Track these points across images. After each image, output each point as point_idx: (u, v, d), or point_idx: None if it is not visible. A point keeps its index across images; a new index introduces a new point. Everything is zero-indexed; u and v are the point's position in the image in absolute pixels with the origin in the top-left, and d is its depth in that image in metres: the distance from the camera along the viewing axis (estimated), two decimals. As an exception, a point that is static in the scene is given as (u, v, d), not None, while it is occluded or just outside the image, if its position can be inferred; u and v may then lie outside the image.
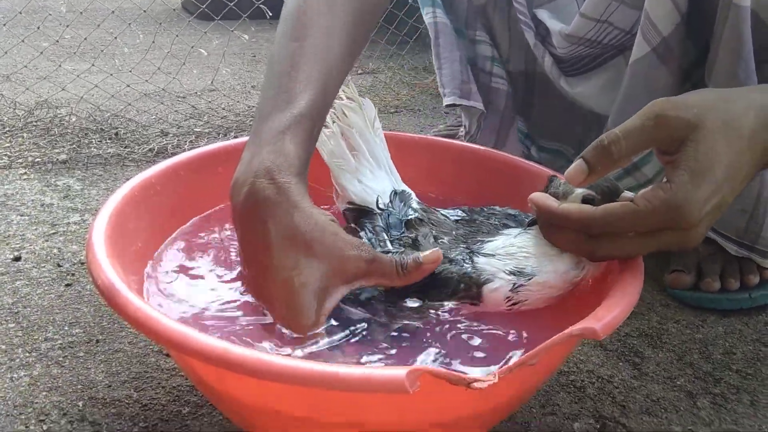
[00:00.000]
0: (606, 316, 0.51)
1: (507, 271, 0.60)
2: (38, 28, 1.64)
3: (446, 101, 1.08)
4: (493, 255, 0.62)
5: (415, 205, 0.70)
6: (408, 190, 0.73)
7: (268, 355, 0.46)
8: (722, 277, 0.88)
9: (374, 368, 0.47)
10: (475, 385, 0.45)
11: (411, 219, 0.67)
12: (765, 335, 0.84)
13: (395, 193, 0.71)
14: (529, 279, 0.60)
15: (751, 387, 0.75)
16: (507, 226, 0.67)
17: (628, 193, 0.59)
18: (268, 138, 0.59)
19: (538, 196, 0.60)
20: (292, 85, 0.62)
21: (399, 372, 0.43)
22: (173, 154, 1.14)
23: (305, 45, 0.65)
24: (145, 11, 1.84)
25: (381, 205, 0.70)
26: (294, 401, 0.50)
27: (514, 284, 0.60)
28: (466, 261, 0.62)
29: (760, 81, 0.74)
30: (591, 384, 0.74)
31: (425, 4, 1.08)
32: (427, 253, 0.59)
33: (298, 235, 0.55)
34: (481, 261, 0.62)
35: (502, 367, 0.48)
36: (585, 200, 0.59)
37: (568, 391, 0.73)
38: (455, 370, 0.48)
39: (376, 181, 0.72)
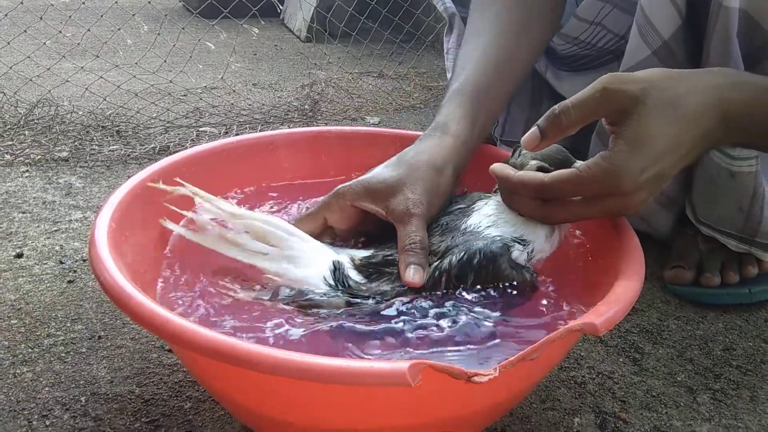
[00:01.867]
0: (606, 312, 0.52)
1: (512, 238, 0.64)
2: (40, 18, 1.63)
3: None
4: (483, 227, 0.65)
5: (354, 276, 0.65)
6: (340, 258, 0.66)
7: (270, 349, 0.46)
8: (722, 271, 0.89)
9: (376, 362, 0.48)
10: (476, 379, 0.45)
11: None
12: (765, 331, 0.85)
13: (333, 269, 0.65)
14: (532, 248, 0.64)
15: (751, 383, 0.75)
16: (460, 205, 0.69)
17: (579, 163, 0.63)
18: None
19: (498, 166, 0.66)
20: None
21: (401, 365, 0.43)
22: (175, 152, 1.14)
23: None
24: (143, 10, 1.84)
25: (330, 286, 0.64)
26: (296, 394, 0.50)
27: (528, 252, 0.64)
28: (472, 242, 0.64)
29: None
30: (591, 379, 0.74)
31: None
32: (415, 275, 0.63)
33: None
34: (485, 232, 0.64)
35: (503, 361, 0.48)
36: (539, 169, 0.64)
37: (568, 387, 0.73)
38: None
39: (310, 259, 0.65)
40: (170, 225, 0.65)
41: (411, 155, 0.70)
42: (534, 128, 0.61)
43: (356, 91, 1.77)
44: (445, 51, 1.09)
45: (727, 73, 0.64)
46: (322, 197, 0.70)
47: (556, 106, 0.60)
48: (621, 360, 0.78)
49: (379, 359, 0.54)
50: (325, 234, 0.70)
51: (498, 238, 0.64)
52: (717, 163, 0.83)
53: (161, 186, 0.66)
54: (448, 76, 1.07)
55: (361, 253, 0.66)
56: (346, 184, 0.69)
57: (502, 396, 0.56)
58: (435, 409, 0.52)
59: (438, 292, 0.62)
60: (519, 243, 0.64)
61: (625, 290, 0.56)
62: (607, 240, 0.67)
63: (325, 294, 0.62)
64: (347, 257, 0.65)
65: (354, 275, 0.64)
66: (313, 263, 0.63)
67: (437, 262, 0.64)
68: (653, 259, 0.96)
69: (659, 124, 0.59)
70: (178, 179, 0.67)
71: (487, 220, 0.66)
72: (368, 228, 0.70)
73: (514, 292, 0.62)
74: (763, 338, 0.83)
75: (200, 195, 0.65)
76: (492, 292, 0.62)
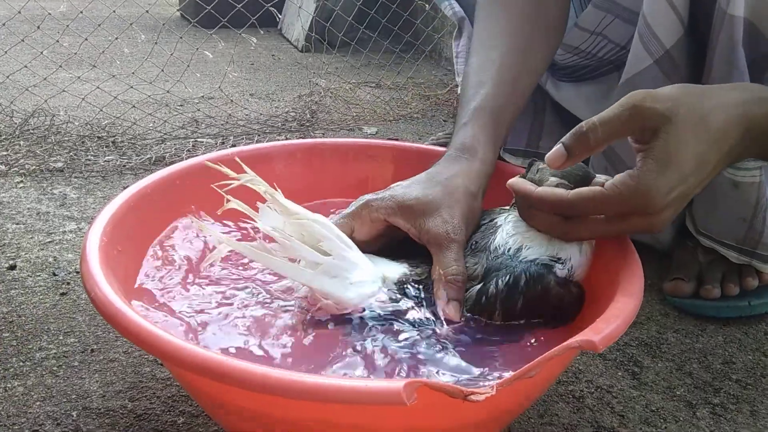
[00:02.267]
0: (605, 329, 0.51)
1: (548, 257, 0.63)
2: (38, 27, 1.63)
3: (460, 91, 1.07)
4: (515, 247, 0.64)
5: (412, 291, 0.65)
6: (395, 275, 0.65)
7: (260, 367, 0.45)
8: (722, 283, 0.88)
9: (372, 380, 0.47)
10: (473, 397, 0.44)
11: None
12: (764, 345, 0.84)
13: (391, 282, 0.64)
14: (571, 266, 0.63)
15: (751, 397, 0.75)
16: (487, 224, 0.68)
17: (600, 178, 0.62)
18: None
19: (517, 181, 0.64)
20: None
21: (396, 384, 0.42)
22: (171, 163, 1.14)
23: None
24: (147, 11, 1.84)
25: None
26: (291, 413, 0.50)
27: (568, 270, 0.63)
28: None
29: None
30: (590, 394, 0.74)
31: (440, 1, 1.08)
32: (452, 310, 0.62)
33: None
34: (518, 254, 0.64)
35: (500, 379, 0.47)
36: (558, 187, 0.62)
37: (566, 401, 0.72)
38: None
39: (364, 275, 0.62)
40: (237, 205, 0.58)
41: (445, 176, 0.68)
42: (559, 146, 0.60)
43: (354, 101, 1.77)
44: (454, 55, 1.09)
45: (750, 89, 0.64)
46: (348, 206, 0.69)
47: (583, 124, 0.59)
48: (620, 374, 0.77)
49: (377, 378, 0.54)
50: None
51: (537, 260, 0.62)
52: (720, 173, 0.82)
53: (223, 169, 0.59)
54: (458, 79, 1.07)
55: (405, 269, 0.65)
56: (376, 196, 0.67)
57: (499, 413, 0.55)
58: (432, 427, 0.51)
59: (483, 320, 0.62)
60: (556, 262, 0.63)
61: (624, 306, 0.55)
62: (606, 254, 0.66)
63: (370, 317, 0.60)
64: (396, 275, 0.64)
65: (405, 295, 0.63)
66: (366, 284, 0.61)
67: (479, 286, 0.63)
68: (653, 270, 0.95)
69: (688, 143, 0.58)
70: (240, 163, 0.61)
71: (512, 240, 0.64)
72: (385, 242, 0.69)
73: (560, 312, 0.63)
74: (762, 351, 0.83)
75: (266, 191, 0.59)
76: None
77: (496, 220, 0.67)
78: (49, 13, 1.79)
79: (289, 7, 2.54)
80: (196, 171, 0.77)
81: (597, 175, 0.63)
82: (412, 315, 0.61)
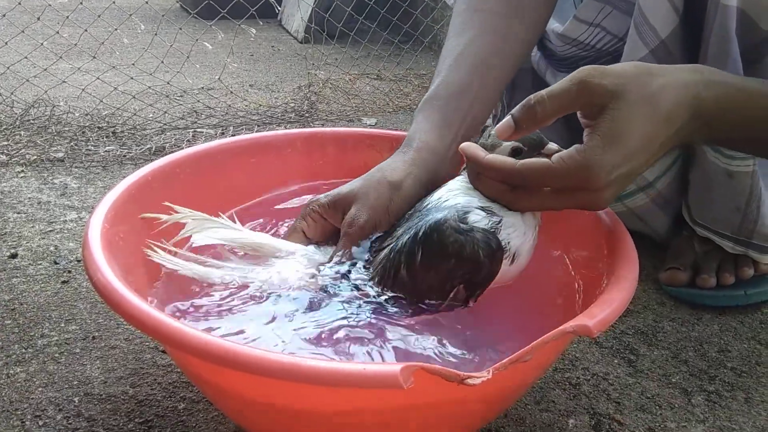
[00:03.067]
0: (599, 314, 0.51)
1: (478, 206, 0.62)
2: (38, 18, 1.63)
3: None
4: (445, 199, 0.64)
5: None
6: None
7: (261, 351, 0.46)
8: (718, 273, 0.89)
9: (368, 364, 0.47)
10: (469, 381, 0.45)
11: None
12: (760, 333, 0.85)
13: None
14: (500, 219, 0.62)
15: (746, 384, 0.75)
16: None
17: (552, 145, 0.62)
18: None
19: (468, 146, 0.64)
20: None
21: (393, 368, 0.43)
22: (171, 152, 1.14)
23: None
24: (139, 11, 1.84)
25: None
26: (289, 396, 0.50)
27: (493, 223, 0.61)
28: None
29: None
30: (586, 381, 0.74)
31: None
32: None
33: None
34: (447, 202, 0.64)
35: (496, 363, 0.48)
36: (513, 150, 0.62)
37: (563, 388, 0.73)
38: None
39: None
40: (156, 258, 0.64)
41: (372, 170, 0.71)
42: (508, 117, 0.60)
43: (354, 92, 1.77)
44: None
45: (702, 71, 0.64)
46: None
47: (531, 97, 0.59)
48: (616, 361, 0.78)
49: (371, 361, 0.54)
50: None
51: (458, 206, 0.62)
52: (714, 162, 0.83)
53: (153, 215, 0.66)
54: None
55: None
56: (317, 196, 0.70)
57: (495, 397, 0.56)
58: (427, 411, 0.52)
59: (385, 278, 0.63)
60: (483, 211, 0.61)
61: (618, 292, 0.56)
62: (602, 240, 0.66)
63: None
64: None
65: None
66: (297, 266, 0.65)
67: (392, 244, 0.63)
68: (649, 260, 0.96)
69: (635, 122, 0.58)
70: (168, 204, 0.67)
71: (451, 193, 0.64)
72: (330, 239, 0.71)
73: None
74: (757, 340, 0.83)
75: (192, 221, 0.66)
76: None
77: (441, 187, 0.67)
78: (50, 5, 1.79)
79: (288, -2, 2.54)
80: (197, 160, 0.78)
81: (550, 143, 0.63)
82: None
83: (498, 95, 0.81)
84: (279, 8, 2.34)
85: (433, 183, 0.70)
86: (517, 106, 0.60)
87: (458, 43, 0.80)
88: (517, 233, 0.62)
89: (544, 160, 0.59)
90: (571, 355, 0.78)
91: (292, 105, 1.64)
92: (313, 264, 0.66)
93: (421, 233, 0.61)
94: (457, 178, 0.67)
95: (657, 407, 0.71)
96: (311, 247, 0.68)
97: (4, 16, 1.57)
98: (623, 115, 0.57)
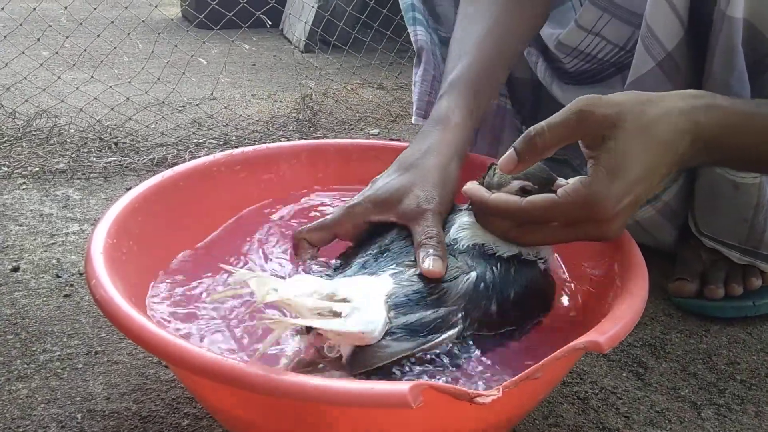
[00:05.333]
0: (610, 330, 0.51)
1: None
2: (38, 39, 1.63)
3: (413, 120, 1.08)
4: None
5: None
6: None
7: (267, 370, 0.45)
8: (725, 284, 0.88)
9: (377, 383, 0.47)
10: (479, 400, 0.44)
11: None
12: (769, 345, 0.84)
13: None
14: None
15: (756, 397, 0.75)
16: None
17: (561, 181, 0.63)
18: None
19: (471, 188, 0.65)
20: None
21: (402, 387, 0.42)
22: (174, 164, 1.14)
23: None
24: (143, 21, 1.84)
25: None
26: (296, 415, 0.49)
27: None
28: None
29: (757, 92, 0.74)
30: (595, 395, 0.73)
31: (408, 23, 1.08)
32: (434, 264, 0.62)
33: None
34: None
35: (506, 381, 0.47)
36: (523, 189, 0.63)
37: (571, 403, 0.72)
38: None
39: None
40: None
41: (416, 157, 0.71)
42: (511, 150, 0.60)
43: (356, 102, 1.77)
44: (412, 83, 1.08)
45: (701, 96, 0.64)
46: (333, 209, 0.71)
47: (531, 128, 0.60)
48: (624, 375, 0.77)
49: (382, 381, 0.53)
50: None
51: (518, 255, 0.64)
52: (721, 174, 0.82)
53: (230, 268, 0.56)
54: (413, 109, 1.07)
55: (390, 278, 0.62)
56: (355, 201, 0.70)
57: (505, 415, 0.55)
58: (436, 428, 0.51)
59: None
60: (537, 258, 0.65)
61: (629, 307, 0.55)
62: (611, 255, 0.66)
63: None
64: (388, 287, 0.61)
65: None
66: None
67: (473, 273, 0.62)
68: (656, 270, 0.94)
69: (634, 152, 0.58)
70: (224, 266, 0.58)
71: (464, 232, 0.65)
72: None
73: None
74: (767, 351, 0.82)
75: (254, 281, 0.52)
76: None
77: (451, 221, 0.68)
78: (59, 23, 1.79)
79: (290, 7, 2.54)
80: (200, 172, 0.78)
81: (559, 179, 0.63)
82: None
83: (501, 84, 0.84)
84: (269, 22, 2.32)
85: (464, 160, 0.74)
86: (519, 139, 0.60)
87: (479, 27, 0.82)
88: (551, 259, 0.67)
89: (550, 195, 0.59)
90: (579, 368, 0.77)
91: (295, 115, 1.64)
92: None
93: (513, 274, 0.62)
94: (463, 213, 0.68)
95: (666, 421, 0.70)
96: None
97: (20, 25, 1.57)
98: (622, 146, 0.58)
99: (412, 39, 1.06)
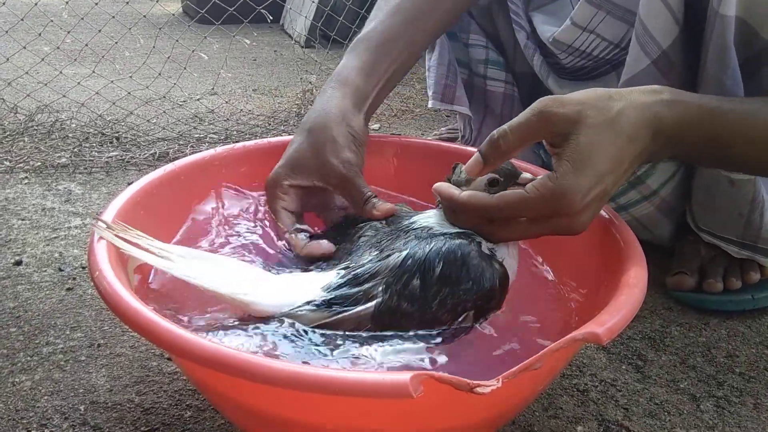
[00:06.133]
0: (609, 321, 0.51)
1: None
2: (39, 35, 1.63)
3: (429, 104, 1.10)
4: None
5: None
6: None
7: (270, 360, 0.46)
8: (724, 278, 0.88)
9: (378, 373, 0.47)
10: (479, 389, 0.44)
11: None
12: (768, 338, 0.84)
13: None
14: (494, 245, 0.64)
15: (755, 390, 0.75)
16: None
17: (526, 175, 0.63)
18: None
19: (441, 186, 0.65)
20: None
21: (403, 377, 0.43)
22: (175, 158, 1.14)
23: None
24: (145, 16, 1.84)
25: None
26: (297, 405, 0.50)
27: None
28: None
29: (751, 89, 0.74)
30: (594, 387, 0.74)
31: None
32: (384, 205, 0.70)
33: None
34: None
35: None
36: (490, 181, 0.63)
37: (571, 395, 0.72)
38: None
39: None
40: (104, 235, 0.60)
41: (314, 117, 0.75)
42: (476, 154, 0.62)
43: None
44: (426, 68, 1.10)
45: (662, 91, 0.64)
46: None
47: (495, 132, 0.60)
48: (624, 367, 0.77)
49: (381, 371, 0.54)
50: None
51: (460, 232, 0.63)
52: (716, 171, 0.82)
53: (110, 237, 0.60)
54: (429, 93, 1.09)
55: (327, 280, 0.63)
56: (273, 172, 0.74)
57: (504, 405, 0.55)
58: (437, 419, 0.52)
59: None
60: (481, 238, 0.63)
61: (627, 299, 0.55)
62: (610, 248, 0.66)
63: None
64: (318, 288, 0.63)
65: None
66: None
67: (399, 254, 0.62)
68: (655, 264, 0.95)
69: (599, 145, 0.58)
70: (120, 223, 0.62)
71: (433, 221, 0.65)
72: (314, 202, 0.75)
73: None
74: (766, 345, 0.83)
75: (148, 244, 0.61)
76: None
77: (412, 217, 0.68)
78: (60, 18, 1.79)
79: (291, 2, 2.54)
80: (201, 166, 0.78)
81: (523, 173, 0.64)
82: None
83: (427, 47, 0.86)
84: (270, 18, 2.32)
85: (369, 116, 0.79)
86: (484, 142, 0.61)
87: None
88: (511, 256, 0.64)
89: (519, 191, 0.60)
90: (579, 361, 0.78)
91: (296, 110, 1.64)
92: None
93: (444, 248, 0.61)
94: (432, 212, 0.67)
95: (666, 413, 0.71)
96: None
97: (7, 32, 1.58)
98: (587, 140, 0.58)
99: None
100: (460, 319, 0.60)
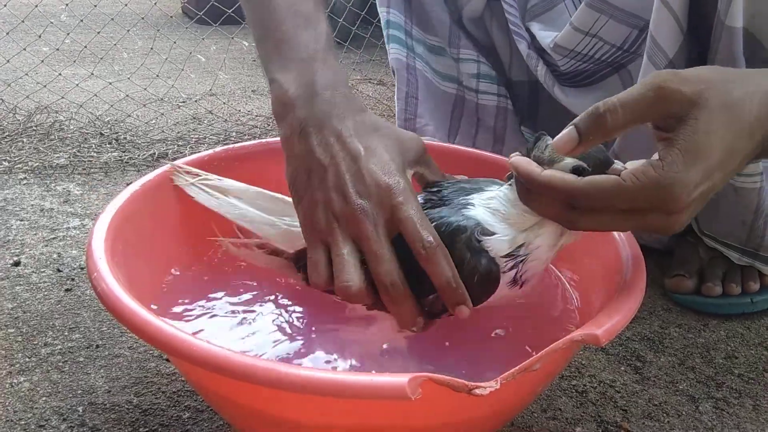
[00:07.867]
0: (607, 322, 0.51)
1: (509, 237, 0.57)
2: (39, 36, 1.63)
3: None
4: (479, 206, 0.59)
5: None
6: None
7: (266, 362, 0.46)
8: (723, 282, 0.88)
9: (375, 375, 0.47)
10: (477, 391, 0.44)
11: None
12: (767, 339, 0.84)
13: None
14: (524, 258, 0.58)
15: (754, 391, 0.75)
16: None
17: (618, 164, 0.55)
18: (309, 56, 0.67)
19: (520, 162, 0.56)
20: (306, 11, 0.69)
21: (401, 379, 0.43)
22: (174, 159, 1.14)
23: None
24: (143, 18, 1.84)
25: None
26: (295, 406, 0.50)
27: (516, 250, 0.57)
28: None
29: None
30: (593, 388, 0.74)
31: (386, 41, 1.08)
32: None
33: (373, 126, 0.66)
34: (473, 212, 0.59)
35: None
36: (575, 171, 0.54)
37: (570, 396, 0.72)
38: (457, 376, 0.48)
39: None
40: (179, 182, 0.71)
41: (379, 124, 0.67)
42: (571, 128, 0.53)
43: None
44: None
45: None
46: None
47: (600, 104, 0.52)
48: (622, 368, 0.77)
49: (379, 372, 0.54)
50: None
51: (487, 221, 0.57)
52: None
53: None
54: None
55: None
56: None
57: (503, 407, 0.55)
58: (435, 421, 0.52)
59: None
60: (511, 243, 0.57)
61: (626, 300, 0.55)
62: (608, 247, 0.66)
63: None
64: None
65: None
66: None
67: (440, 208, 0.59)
68: (654, 265, 0.95)
69: (716, 133, 0.51)
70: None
71: (495, 202, 0.58)
72: None
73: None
74: (765, 346, 0.83)
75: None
76: None
77: (480, 188, 0.61)
78: (59, 19, 1.79)
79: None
80: (200, 166, 0.78)
81: (616, 162, 0.56)
82: None
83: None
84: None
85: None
86: (582, 115, 0.53)
87: None
88: (536, 266, 0.58)
89: (614, 177, 0.52)
90: (577, 362, 0.78)
91: (295, 111, 1.64)
92: None
93: (443, 227, 0.57)
94: (502, 190, 0.60)
95: (664, 415, 0.71)
96: None
97: (7, 33, 1.57)
98: (704, 126, 0.51)
99: (388, 57, 1.07)
100: (430, 297, 0.57)
